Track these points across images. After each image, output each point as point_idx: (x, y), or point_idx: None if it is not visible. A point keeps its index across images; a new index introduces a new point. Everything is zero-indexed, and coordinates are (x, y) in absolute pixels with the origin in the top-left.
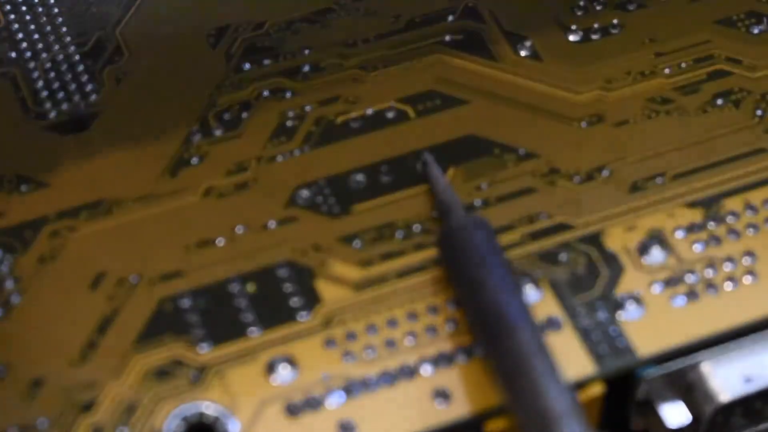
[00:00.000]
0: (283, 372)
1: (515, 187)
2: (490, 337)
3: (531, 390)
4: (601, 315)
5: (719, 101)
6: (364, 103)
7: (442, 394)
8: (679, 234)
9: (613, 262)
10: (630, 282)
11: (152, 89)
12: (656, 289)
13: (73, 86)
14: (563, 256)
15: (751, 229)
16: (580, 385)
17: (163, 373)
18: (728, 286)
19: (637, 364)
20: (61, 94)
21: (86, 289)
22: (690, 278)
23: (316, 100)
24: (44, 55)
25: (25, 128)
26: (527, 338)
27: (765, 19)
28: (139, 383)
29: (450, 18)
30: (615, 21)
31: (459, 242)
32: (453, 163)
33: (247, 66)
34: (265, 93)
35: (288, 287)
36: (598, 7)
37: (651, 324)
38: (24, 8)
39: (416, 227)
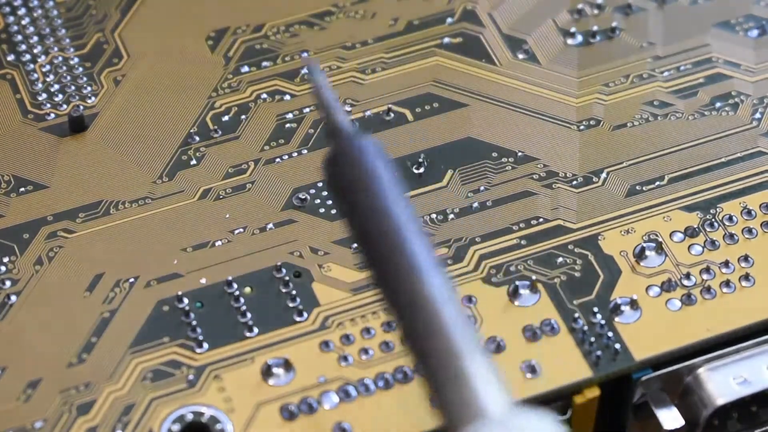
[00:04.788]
0: (280, 374)
1: (513, 190)
2: (380, 265)
3: (424, 320)
4: (598, 318)
5: (717, 105)
6: (362, 106)
7: None
8: (676, 238)
9: (610, 266)
10: (627, 286)
11: (150, 91)
12: (653, 292)
13: (71, 88)
14: (560, 260)
15: (747, 233)
16: (577, 388)
17: (160, 375)
18: (725, 290)
19: (634, 368)
20: (59, 96)
21: (83, 290)
22: (686, 282)
23: (315, 102)
24: (43, 57)
25: (24, 130)
26: (418, 258)
27: (763, 23)
28: (136, 385)
29: (448, 21)
30: (614, 24)
31: (346, 165)
32: (451, 165)
33: (246, 68)
34: (264, 95)
35: (285, 290)
36: (597, 11)
37: (647, 328)
38: (23, 10)
39: None
